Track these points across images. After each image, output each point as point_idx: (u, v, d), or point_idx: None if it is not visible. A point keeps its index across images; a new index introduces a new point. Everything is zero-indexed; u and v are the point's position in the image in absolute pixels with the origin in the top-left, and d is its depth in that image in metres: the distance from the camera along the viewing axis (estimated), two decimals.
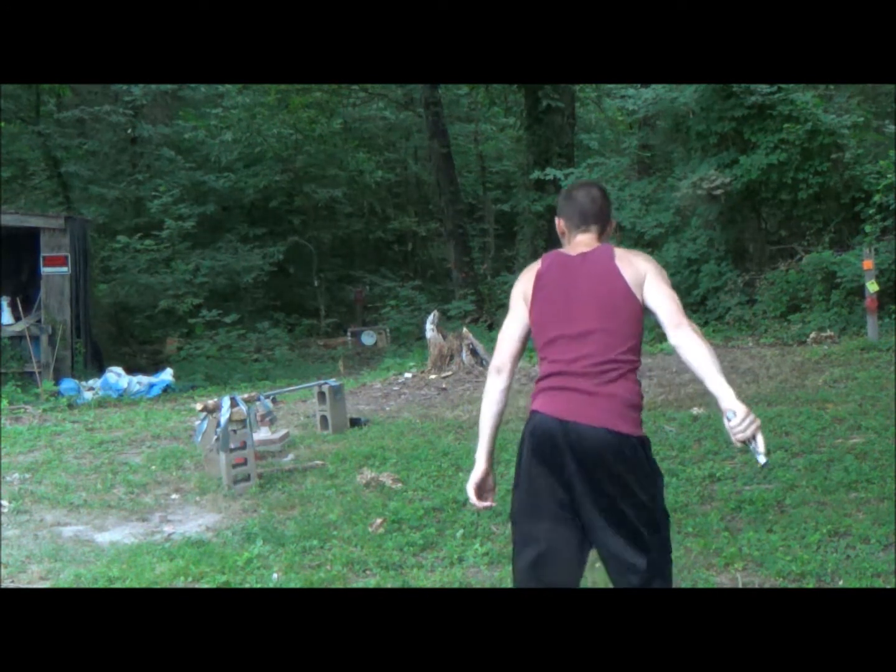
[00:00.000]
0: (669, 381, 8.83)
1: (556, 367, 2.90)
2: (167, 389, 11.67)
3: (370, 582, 4.48)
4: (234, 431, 6.43)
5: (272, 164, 22.11)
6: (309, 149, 22.75)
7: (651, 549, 2.86)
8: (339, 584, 4.45)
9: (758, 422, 2.62)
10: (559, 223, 3.22)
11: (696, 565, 4.43)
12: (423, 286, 21.53)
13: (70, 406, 10.51)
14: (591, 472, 2.80)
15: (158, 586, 4.51)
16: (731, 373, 9.16)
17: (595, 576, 3.53)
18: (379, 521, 5.31)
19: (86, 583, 4.59)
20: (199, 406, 7.05)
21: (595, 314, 2.87)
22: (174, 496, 6.36)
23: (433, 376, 10.61)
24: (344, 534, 5.17)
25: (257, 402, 7.16)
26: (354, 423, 8.17)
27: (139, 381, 11.61)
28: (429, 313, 12.07)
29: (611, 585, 2.97)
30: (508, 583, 4.34)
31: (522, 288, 3.04)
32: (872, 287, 10.33)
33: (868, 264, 10.44)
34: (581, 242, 3.07)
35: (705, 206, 12.87)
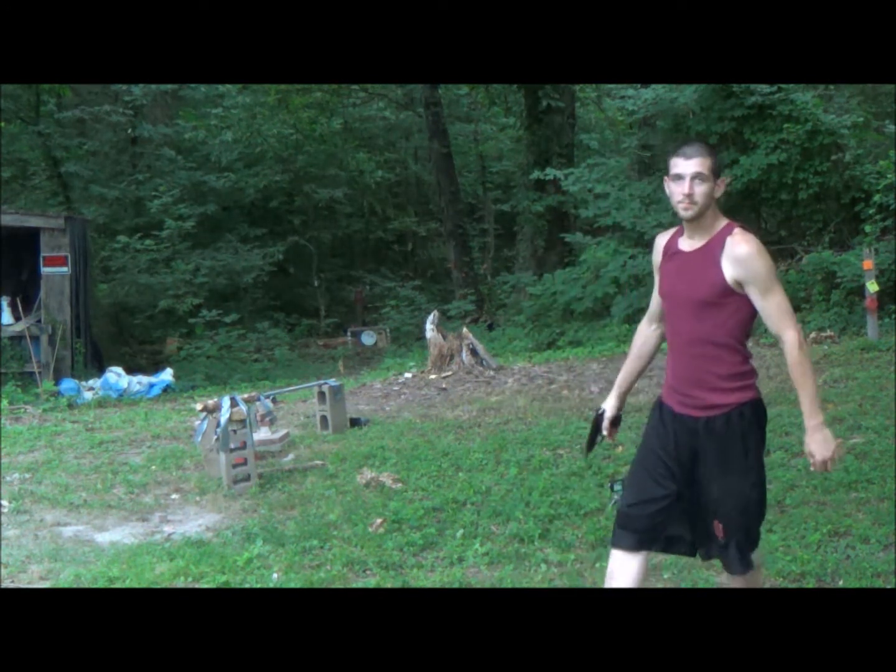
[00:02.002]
0: None
1: None
2: (167, 389, 11.65)
3: (370, 582, 4.48)
4: (234, 431, 6.43)
5: (272, 164, 22.10)
6: (309, 149, 22.75)
7: None
8: (339, 584, 4.45)
9: None
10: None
11: (696, 565, 4.42)
12: (423, 286, 21.52)
13: (70, 406, 10.50)
14: None
15: (158, 586, 4.50)
16: None
17: None
18: (379, 521, 5.31)
19: (86, 583, 4.59)
20: (199, 406, 7.04)
21: None
22: (174, 496, 6.36)
23: (433, 376, 10.60)
24: (344, 534, 5.17)
25: (257, 402, 7.16)
26: (354, 423, 8.17)
27: (139, 381, 11.60)
28: (429, 313, 12.06)
29: None
30: (509, 583, 4.34)
31: None
32: (872, 287, 10.33)
33: (868, 264, 10.43)
34: None
35: None
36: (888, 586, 4.02)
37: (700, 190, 3.06)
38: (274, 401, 7.87)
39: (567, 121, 17.68)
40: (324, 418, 8.02)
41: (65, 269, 12.17)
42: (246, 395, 7.20)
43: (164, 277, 18.07)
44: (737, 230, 3.10)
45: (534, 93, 17.08)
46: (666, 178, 3.19)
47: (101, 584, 4.56)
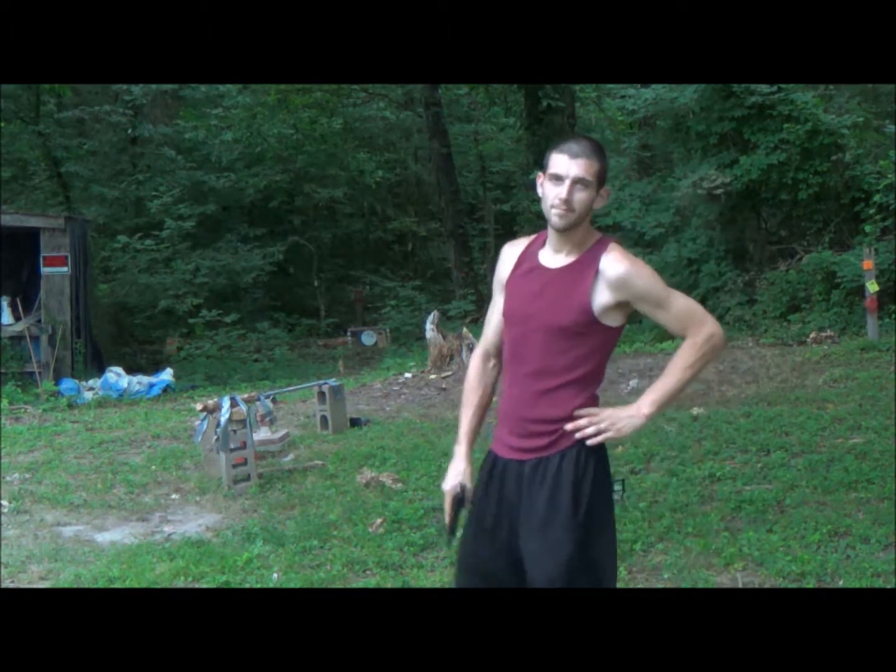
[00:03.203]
0: None
1: None
2: (167, 389, 11.65)
3: (370, 582, 4.48)
4: (234, 431, 6.43)
5: (272, 164, 22.10)
6: (309, 149, 22.74)
7: None
8: (339, 584, 4.45)
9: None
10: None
11: (696, 565, 4.43)
12: (423, 286, 21.51)
13: (70, 406, 10.50)
14: None
15: (158, 586, 4.51)
16: (731, 373, 9.16)
17: None
18: (379, 521, 5.31)
19: (86, 583, 4.59)
20: (199, 406, 7.05)
21: None
22: (174, 496, 6.36)
23: (433, 376, 10.60)
24: (344, 534, 5.17)
25: (257, 402, 7.16)
26: (354, 423, 8.17)
27: (139, 381, 11.60)
28: (429, 313, 12.06)
29: None
30: None
31: None
32: (872, 287, 10.33)
33: (868, 264, 10.44)
34: None
35: (705, 206, 12.86)
36: (888, 586, 4.02)
37: (580, 197, 2.58)
38: (274, 401, 7.88)
39: (567, 121, 17.68)
40: (324, 418, 8.02)
41: (65, 269, 12.17)
42: (246, 395, 7.21)
43: (164, 277, 18.06)
44: (612, 246, 2.65)
45: (534, 93, 17.09)
46: (541, 174, 2.66)
47: (101, 584, 4.56)
